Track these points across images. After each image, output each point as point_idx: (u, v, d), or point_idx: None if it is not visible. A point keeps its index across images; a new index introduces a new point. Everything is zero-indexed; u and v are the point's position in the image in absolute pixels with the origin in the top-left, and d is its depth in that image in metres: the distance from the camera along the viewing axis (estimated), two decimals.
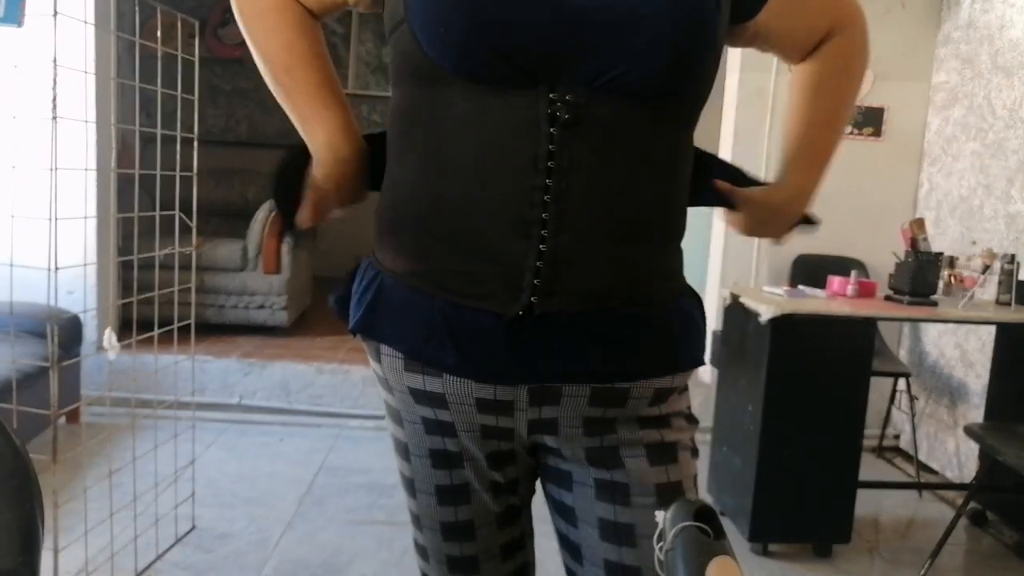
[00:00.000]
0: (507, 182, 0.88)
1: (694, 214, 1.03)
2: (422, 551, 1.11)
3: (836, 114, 1.09)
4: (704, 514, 0.70)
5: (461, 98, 0.89)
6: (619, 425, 0.98)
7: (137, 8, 2.29)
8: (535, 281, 0.89)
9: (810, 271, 3.43)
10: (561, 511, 1.05)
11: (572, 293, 0.91)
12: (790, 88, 1.12)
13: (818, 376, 2.53)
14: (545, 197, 0.88)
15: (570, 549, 1.05)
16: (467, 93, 0.89)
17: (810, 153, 1.08)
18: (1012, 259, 2.76)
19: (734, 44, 1.04)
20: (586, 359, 0.94)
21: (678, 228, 0.99)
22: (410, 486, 1.07)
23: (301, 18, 1.04)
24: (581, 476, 1.01)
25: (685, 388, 1.04)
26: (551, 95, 0.87)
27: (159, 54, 2.31)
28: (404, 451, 1.06)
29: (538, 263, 0.89)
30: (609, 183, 0.89)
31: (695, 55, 0.89)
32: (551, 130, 0.87)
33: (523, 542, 1.12)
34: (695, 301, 1.03)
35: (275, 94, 1.05)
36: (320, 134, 1.02)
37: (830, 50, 1.06)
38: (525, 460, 1.05)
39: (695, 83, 0.93)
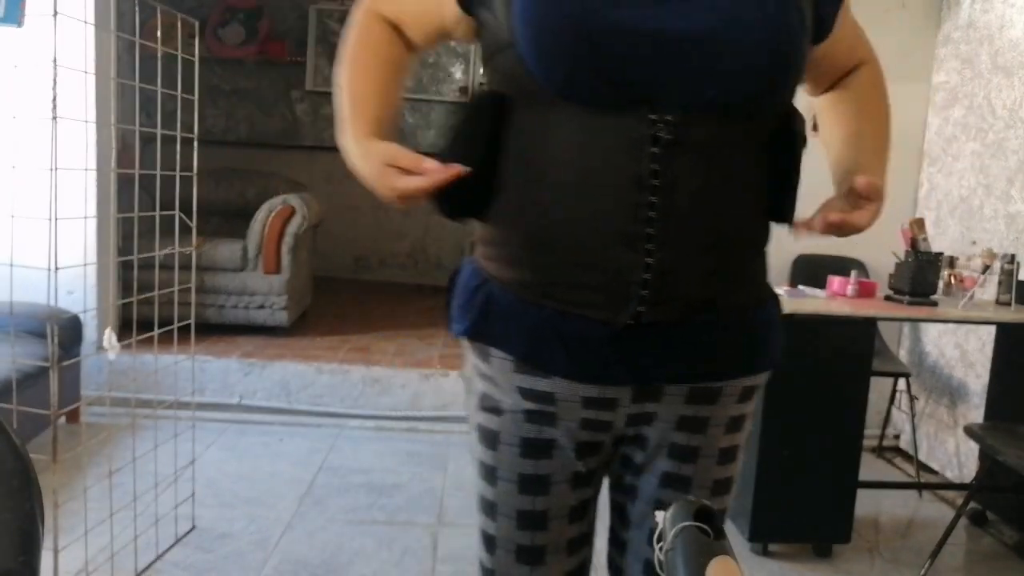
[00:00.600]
0: (612, 199, 0.95)
1: None
2: (489, 541, 1.15)
3: (886, 117, 1.19)
4: (704, 514, 0.70)
5: (566, 119, 0.95)
6: (709, 427, 1.08)
7: (137, 8, 2.29)
8: (642, 292, 0.96)
9: (810, 271, 3.43)
10: (621, 488, 1.15)
11: (676, 302, 0.98)
12: (827, 112, 1.20)
13: (818, 376, 2.53)
14: (650, 213, 0.94)
15: (621, 521, 1.16)
16: (571, 114, 0.95)
17: (873, 148, 1.15)
18: (1012, 259, 2.76)
19: None
20: (686, 362, 1.03)
21: (765, 237, 1.07)
22: (491, 474, 1.12)
23: (390, 55, 1.12)
24: (653, 465, 1.11)
25: (761, 387, 1.13)
26: (651, 116, 0.93)
27: (159, 54, 2.31)
28: (492, 440, 1.11)
29: (645, 275, 0.96)
30: (708, 198, 0.96)
31: (784, 78, 0.97)
32: (653, 149, 0.93)
33: (587, 539, 1.18)
34: (776, 305, 1.12)
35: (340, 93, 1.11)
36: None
37: (864, 73, 1.17)
38: (607, 451, 1.12)
39: (783, 102, 1.01)
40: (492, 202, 1.05)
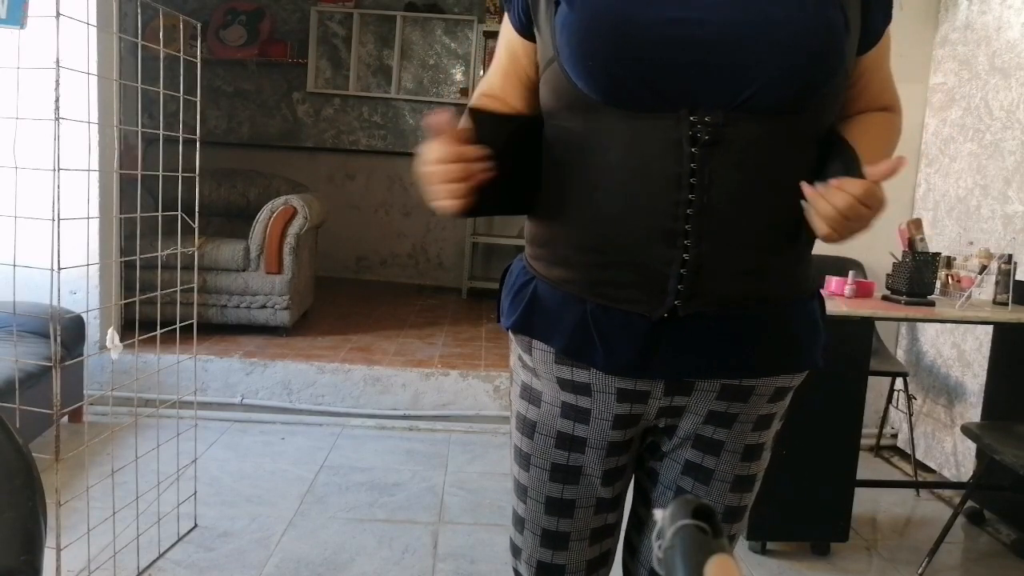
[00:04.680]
0: (653, 198, 0.98)
1: None
2: (519, 521, 1.22)
3: (890, 140, 1.15)
4: (703, 512, 0.71)
5: (609, 124, 0.99)
6: (736, 423, 1.12)
7: (139, 10, 2.30)
8: (679, 286, 1.00)
9: None
10: (644, 470, 1.21)
11: (712, 297, 1.01)
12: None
13: (816, 375, 2.53)
14: (688, 211, 0.97)
15: (643, 502, 1.22)
16: (615, 119, 0.99)
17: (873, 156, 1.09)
18: (1009, 259, 2.77)
19: None
20: (720, 357, 1.05)
21: (807, 235, 1.05)
22: (525, 460, 1.18)
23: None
24: (677, 453, 1.16)
25: (795, 388, 1.16)
26: (691, 118, 0.96)
27: (161, 55, 2.33)
28: (530, 429, 1.17)
29: (682, 270, 0.99)
30: (745, 196, 0.98)
31: (822, 79, 0.98)
32: (692, 150, 0.96)
33: (612, 530, 1.23)
34: (820, 304, 1.13)
35: None
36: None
37: (885, 114, 1.15)
38: (636, 446, 1.18)
39: (822, 102, 1.01)
40: (537, 204, 1.11)
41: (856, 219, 0.96)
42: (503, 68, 1.16)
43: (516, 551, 1.24)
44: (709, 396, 1.09)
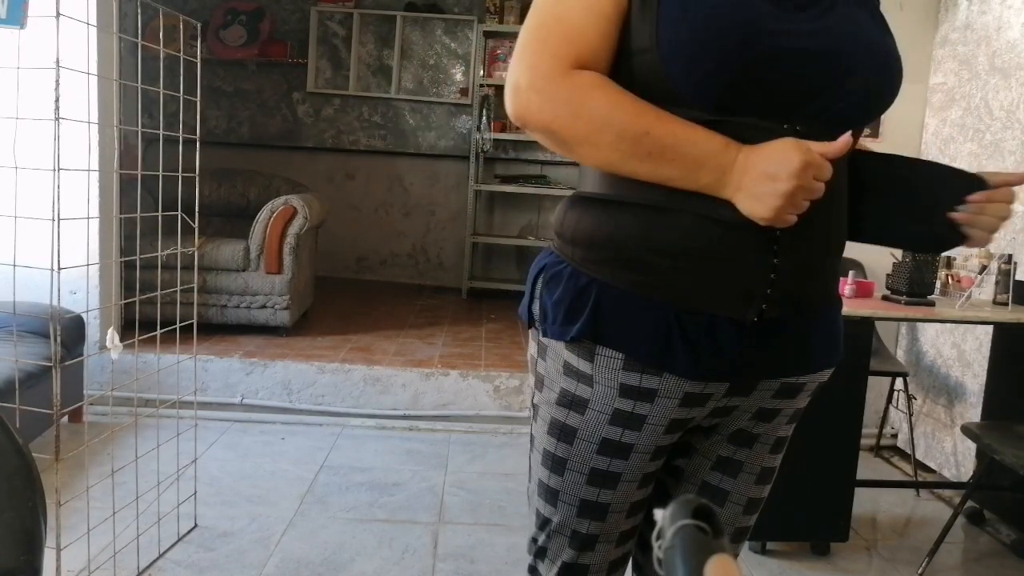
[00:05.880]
0: None
1: None
2: (544, 523, 1.19)
3: None
4: (703, 512, 0.71)
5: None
6: (777, 417, 1.15)
7: (139, 10, 2.30)
8: (767, 291, 1.02)
9: None
10: (669, 471, 1.22)
11: (794, 300, 1.05)
12: None
13: None
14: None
15: (659, 499, 1.21)
16: (700, 120, 0.97)
17: None
18: (1009, 259, 2.77)
19: None
20: (789, 357, 1.09)
21: (845, 241, 1.14)
22: (560, 465, 1.14)
23: (618, 85, 1.01)
24: (710, 451, 1.18)
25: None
26: (784, 126, 0.98)
27: (161, 55, 2.33)
28: (569, 435, 1.13)
29: (772, 275, 1.01)
30: (825, 204, 0.98)
31: (892, 98, 1.07)
32: None
33: (635, 532, 1.23)
34: (841, 304, 1.19)
35: (647, 164, 0.98)
36: (728, 147, 0.98)
37: None
38: (674, 446, 1.17)
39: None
40: (604, 209, 1.06)
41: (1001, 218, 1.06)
42: (604, 32, 1.00)
43: (540, 552, 1.21)
44: (766, 395, 1.11)
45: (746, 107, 0.98)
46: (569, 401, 1.12)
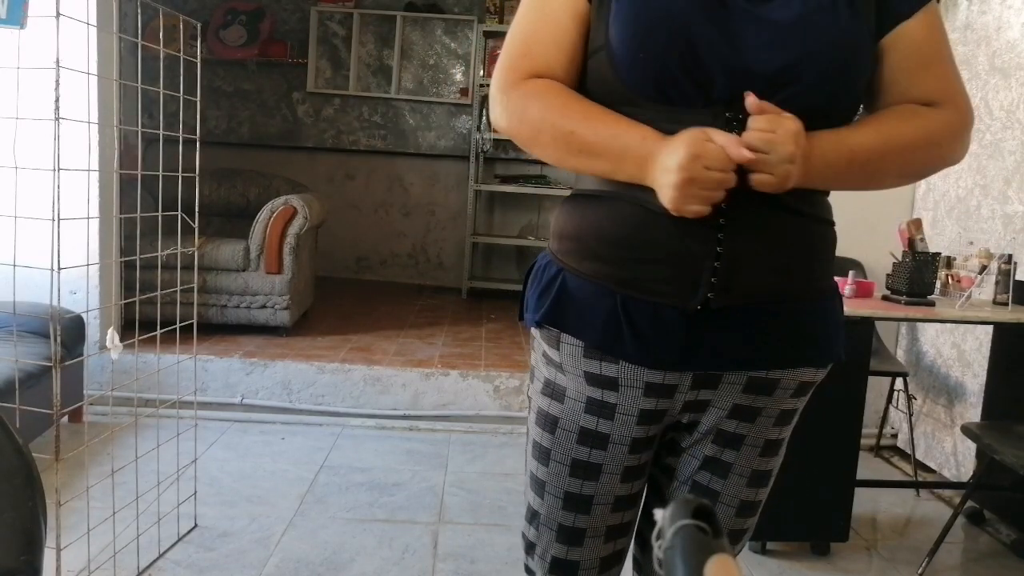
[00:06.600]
0: None
1: None
2: (534, 516, 1.22)
3: (894, 145, 1.05)
4: (702, 512, 0.71)
5: (645, 117, 1.01)
6: (760, 417, 1.14)
7: (139, 10, 2.30)
8: (712, 280, 1.02)
9: None
10: (660, 466, 1.22)
11: (742, 290, 1.04)
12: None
13: None
14: (723, 205, 0.98)
15: (657, 497, 1.23)
16: (652, 114, 1.01)
17: (848, 144, 1.02)
18: (1009, 259, 2.77)
19: None
20: (747, 349, 1.07)
21: (830, 234, 1.12)
22: (545, 455, 1.18)
23: (562, 88, 1.08)
24: (695, 450, 1.17)
25: (817, 384, 1.17)
26: (727, 114, 0.99)
27: (161, 55, 2.33)
28: (551, 425, 1.17)
29: (716, 264, 1.02)
30: (773, 195, 0.98)
31: (848, 88, 1.03)
32: None
33: (627, 529, 1.24)
34: (839, 302, 1.16)
35: (581, 159, 1.05)
36: (651, 138, 1.00)
37: (923, 108, 1.07)
38: (656, 444, 1.19)
39: (848, 102, 1.05)
40: (573, 200, 1.13)
41: (771, 150, 0.95)
42: (558, 42, 1.07)
43: (530, 547, 1.24)
44: (735, 389, 1.11)
45: (685, 97, 1.00)
46: (551, 390, 1.17)
